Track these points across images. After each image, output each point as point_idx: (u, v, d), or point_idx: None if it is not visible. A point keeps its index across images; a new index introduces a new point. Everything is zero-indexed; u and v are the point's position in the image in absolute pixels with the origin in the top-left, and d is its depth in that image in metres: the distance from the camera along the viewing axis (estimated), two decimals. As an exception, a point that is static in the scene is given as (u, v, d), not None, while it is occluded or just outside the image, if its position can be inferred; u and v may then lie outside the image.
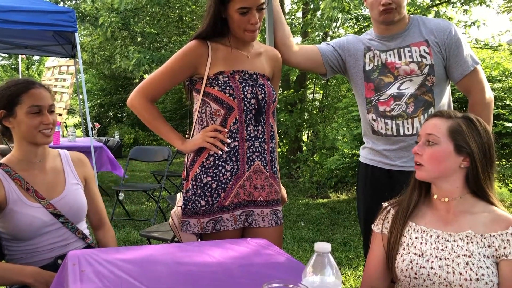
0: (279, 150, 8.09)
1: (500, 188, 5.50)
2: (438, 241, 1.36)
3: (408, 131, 1.90)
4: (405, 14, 1.94)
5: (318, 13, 7.18)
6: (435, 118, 1.40)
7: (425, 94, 1.88)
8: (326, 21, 5.97)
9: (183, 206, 1.71)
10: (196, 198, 1.68)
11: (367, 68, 1.97)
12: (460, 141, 1.34)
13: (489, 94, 1.89)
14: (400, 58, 1.91)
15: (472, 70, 1.86)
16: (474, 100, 1.89)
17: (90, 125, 4.99)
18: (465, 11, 7.36)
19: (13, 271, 1.50)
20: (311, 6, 7.33)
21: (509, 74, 4.81)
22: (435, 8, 7.30)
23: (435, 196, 1.41)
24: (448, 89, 1.97)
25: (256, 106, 1.70)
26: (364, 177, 2.07)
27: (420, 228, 1.40)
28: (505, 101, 4.52)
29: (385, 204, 1.52)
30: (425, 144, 1.38)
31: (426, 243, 1.37)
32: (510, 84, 4.71)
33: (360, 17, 7.10)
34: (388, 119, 1.92)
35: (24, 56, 13.76)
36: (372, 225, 1.52)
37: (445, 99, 1.95)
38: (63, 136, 6.63)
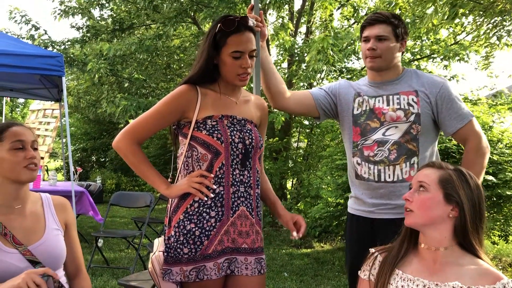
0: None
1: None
2: None
3: (389, 177, 1.91)
4: (396, 64, 1.99)
5: (303, 65, 7.38)
6: (427, 168, 1.43)
7: (409, 143, 1.91)
8: (311, 73, 6.13)
9: (165, 254, 1.66)
10: (179, 245, 1.64)
11: (355, 112, 2.01)
12: (449, 190, 1.35)
13: (486, 142, 1.91)
14: (388, 104, 1.95)
15: (468, 122, 1.90)
16: (471, 146, 1.90)
17: (72, 169, 4.92)
18: (445, 66, 7.64)
19: None
20: (296, 58, 7.54)
21: (488, 128, 4.94)
22: (416, 63, 7.57)
23: (422, 245, 1.41)
24: (434, 142, 2.00)
25: (243, 151, 1.70)
26: (350, 227, 2.09)
27: (407, 277, 1.38)
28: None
29: (372, 250, 1.51)
30: (416, 191, 1.40)
31: None
32: (489, 137, 4.83)
33: (343, 69, 7.32)
34: (371, 164, 1.95)
35: (9, 98, 13.71)
36: (359, 272, 1.50)
37: (430, 150, 1.96)
38: (43, 180, 6.51)
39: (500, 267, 5.03)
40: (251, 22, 1.73)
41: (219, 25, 1.68)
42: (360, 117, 2.00)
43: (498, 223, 5.02)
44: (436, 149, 2.02)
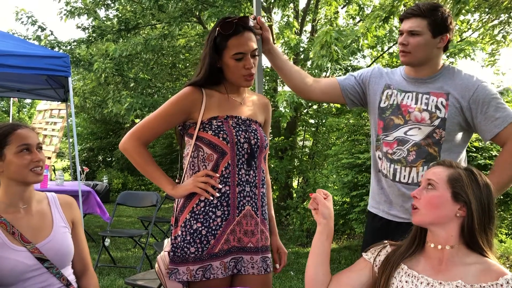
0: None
1: (490, 238, 5.48)
2: None
3: (404, 178, 1.87)
4: (433, 61, 1.87)
5: (309, 63, 7.37)
6: (437, 166, 1.42)
7: (430, 147, 1.83)
8: (316, 70, 6.12)
9: (171, 253, 1.67)
10: (185, 245, 1.65)
11: (382, 105, 1.96)
12: (457, 189, 1.34)
13: None
14: (416, 103, 1.86)
15: (508, 124, 1.76)
16: (509, 147, 1.78)
17: (79, 169, 4.95)
18: (451, 63, 7.62)
19: None
20: (302, 56, 7.53)
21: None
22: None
23: (429, 244, 1.40)
24: (461, 149, 1.89)
25: (248, 151, 1.70)
26: (370, 225, 2.06)
27: (412, 273, 1.39)
28: (491, 152, 4.59)
29: (385, 241, 1.51)
30: (424, 189, 1.39)
31: None
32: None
33: (349, 67, 7.30)
34: (388, 161, 1.91)
35: (16, 99, 13.81)
36: (363, 253, 1.50)
37: (454, 157, 1.84)
38: (51, 180, 6.55)
39: (507, 266, 5.00)
40: (251, 22, 1.72)
41: (217, 28, 1.68)
42: (385, 111, 1.94)
43: (505, 221, 5.00)
44: (463, 156, 1.91)
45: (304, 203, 6.99)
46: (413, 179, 1.85)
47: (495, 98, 1.80)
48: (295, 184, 8.34)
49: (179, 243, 1.67)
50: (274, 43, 2.07)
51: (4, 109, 20.55)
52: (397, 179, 1.89)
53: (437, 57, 1.88)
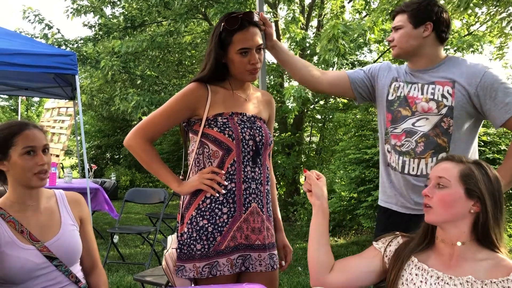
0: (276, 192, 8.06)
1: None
2: (438, 283, 1.34)
3: (413, 170, 1.87)
4: (426, 51, 1.89)
5: (315, 58, 7.34)
6: (446, 161, 1.40)
7: (439, 137, 1.83)
8: (323, 65, 6.09)
9: (178, 250, 1.68)
10: (192, 242, 1.65)
11: (390, 98, 1.97)
12: (471, 185, 1.32)
13: None
14: (422, 93, 1.87)
15: None
16: None
17: (87, 166, 4.98)
18: (458, 57, 7.54)
19: None
20: (308, 52, 7.50)
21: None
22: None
23: (439, 239, 1.39)
24: (471, 139, 1.88)
25: (254, 148, 1.70)
26: (381, 220, 2.06)
27: (422, 266, 1.38)
28: (500, 146, 4.56)
29: (397, 232, 1.51)
30: (435, 187, 1.37)
31: (426, 282, 1.35)
32: (504, 129, 4.76)
33: (355, 62, 7.26)
34: (397, 154, 1.91)
35: (24, 97, 13.91)
36: (374, 242, 1.50)
37: (464, 147, 1.84)
38: (59, 178, 6.60)
39: (517, 260, 4.97)
40: (256, 16, 1.72)
41: (222, 24, 1.68)
42: (393, 103, 1.95)
43: (513, 215, 4.96)
44: (474, 146, 1.90)
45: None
46: (422, 170, 1.85)
47: (503, 83, 1.78)
48: (302, 180, 8.33)
49: (186, 240, 1.67)
50: (280, 40, 2.07)
51: (12, 107, 20.71)
52: (406, 171, 1.89)
53: (430, 47, 1.90)
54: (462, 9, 3.28)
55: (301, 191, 7.67)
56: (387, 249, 1.46)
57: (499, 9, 4.55)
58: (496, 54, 6.27)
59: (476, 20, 6.22)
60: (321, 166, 7.48)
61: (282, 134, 7.51)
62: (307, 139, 8.41)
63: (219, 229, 1.66)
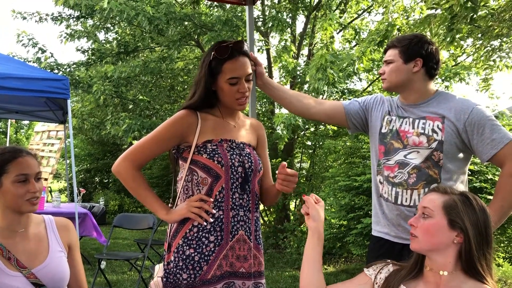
0: (266, 219, 8.02)
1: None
2: None
3: (406, 201, 1.91)
4: (416, 86, 1.96)
5: (305, 86, 7.44)
6: (433, 192, 1.44)
7: (430, 169, 1.88)
8: (313, 93, 6.18)
9: (164, 279, 1.66)
10: (178, 271, 1.64)
11: (383, 131, 2.03)
12: (453, 216, 1.35)
13: None
14: (413, 128, 1.93)
15: (504, 145, 1.80)
16: (506, 170, 1.81)
17: (76, 190, 4.94)
18: (446, 87, 7.69)
19: None
20: (299, 80, 7.60)
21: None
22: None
23: (427, 268, 1.41)
24: (461, 171, 1.92)
25: (243, 175, 1.71)
26: (373, 249, 2.08)
27: None
28: (487, 175, 4.62)
29: (388, 260, 1.53)
30: (421, 217, 1.40)
31: None
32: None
33: (345, 90, 7.36)
34: (390, 185, 1.95)
35: (14, 120, 13.84)
36: (365, 268, 1.51)
37: (455, 179, 1.89)
38: (47, 201, 6.52)
39: (505, 290, 4.97)
40: (245, 46, 1.75)
41: (213, 52, 1.70)
42: (386, 136, 2.01)
43: (502, 244, 4.98)
44: (464, 178, 1.94)
45: (301, 226, 6.96)
46: (415, 201, 1.88)
47: (490, 120, 1.85)
48: (292, 206, 8.32)
49: (172, 269, 1.66)
50: (272, 68, 2.12)
51: (1, 130, 20.55)
52: (399, 202, 1.92)
53: (419, 82, 1.97)
54: (448, 43, 3.38)
55: (291, 217, 7.64)
56: (378, 276, 1.48)
57: (484, 43, 4.69)
58: (482, 86, 6.42)
59: (463, 51, 6.38)
60: (311, 193, 7.47)
61: (272, 160, 7.53)
62: (298, 165, 8.44)
63: (206, 258, 1.65)
